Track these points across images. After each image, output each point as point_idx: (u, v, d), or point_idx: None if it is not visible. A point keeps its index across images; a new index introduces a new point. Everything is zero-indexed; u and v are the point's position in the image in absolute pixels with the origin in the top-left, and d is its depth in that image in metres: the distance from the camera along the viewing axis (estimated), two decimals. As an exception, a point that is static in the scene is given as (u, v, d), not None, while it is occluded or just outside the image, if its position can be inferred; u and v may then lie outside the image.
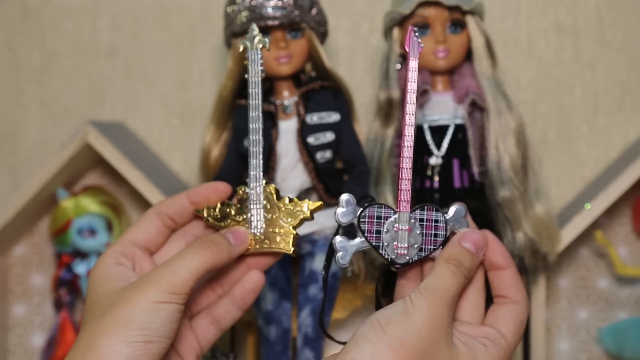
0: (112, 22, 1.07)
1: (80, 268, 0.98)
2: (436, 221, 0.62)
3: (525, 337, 0.93)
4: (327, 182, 0.83)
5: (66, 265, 0.99)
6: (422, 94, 0.83)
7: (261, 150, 0.68)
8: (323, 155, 0.83)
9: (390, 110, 0.84)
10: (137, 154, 0.99)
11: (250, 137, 0.68)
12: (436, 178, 0.83)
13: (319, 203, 0.67)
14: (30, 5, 1.07)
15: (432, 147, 0.83)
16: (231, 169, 0.84)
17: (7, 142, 1.08)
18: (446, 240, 0.62)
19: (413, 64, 0.62)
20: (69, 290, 0.99)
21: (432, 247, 0.62)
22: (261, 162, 0.68)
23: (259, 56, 0.69)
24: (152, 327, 0.56)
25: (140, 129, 1.07)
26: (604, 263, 1.00)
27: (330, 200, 0.84)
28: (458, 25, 0.83)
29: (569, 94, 1.04)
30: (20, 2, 1.07)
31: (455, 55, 0.83)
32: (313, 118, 0.83)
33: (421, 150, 0.83)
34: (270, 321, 0.83)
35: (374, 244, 0.61)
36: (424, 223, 0.62)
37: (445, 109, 0.84)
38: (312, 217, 0.67)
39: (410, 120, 0.61)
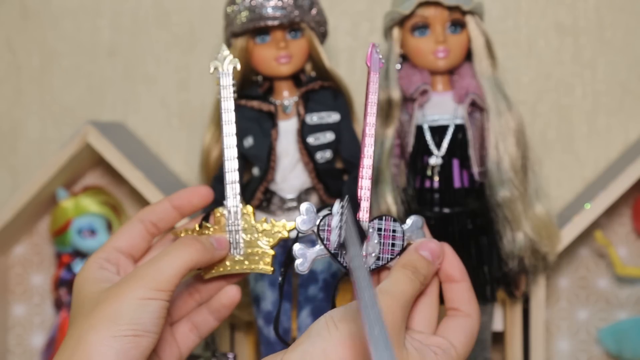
0: (112, 22, 1.07)
1: (80, 268, 0.98)
2: (394, 231, 0.64)
3: (525, 337, 0.93)
4: (327, 182, 0.83)
5: (66, 265, 0.99)
6: (422, 94, 0.83)
7: (237, 173, 0.69)
8: (323, 156, 0.83)
9: (390, 110, 0.84)
10: (137, 154, 0.99)
11: (225, 161, 0.69)
12: (436, 178, 0.83)
13: (294, 224, 0.68)
14: (30, 5, 1.07)
15: (432, 147, 0.83)
16: (231, 169, 0.84)
17: (7, 142, 1.08)
18: (403, 250, 0.64)
19: (374, 77, 0.64)
20: (69, 290, 0.99)
21: (389, 256, 0.64)
22: (238, 185, 0.69)
23: (231, 77, 0.69)
24: (140, 322, 0.57)
25: (140, 129, 1.07)
26: (604, 263, 1.00)
27: (330, 200, 0.84)
28: (458, 25, 0.83)
29: (569, 94, 1.04)
30: (20, 2, 1.07)
31: (455, 55, 0.83)
32: (313, 118, 0.83)
33: (421, 150, 0.83)
34: (270, 321, 0.83)
35: (332, 251, 0.63)
36: (382, 232, 0.64)
37: (445, 109, 0.84)
38: (289, 237, 0.68)
39: (370, 131, 0.63)
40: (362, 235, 0.58)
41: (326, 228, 0.63)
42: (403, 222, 0.64)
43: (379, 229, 0.64)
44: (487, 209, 0.83)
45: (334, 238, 0.61)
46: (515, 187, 0.82)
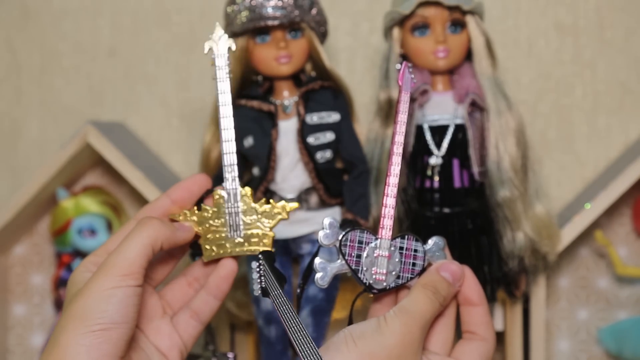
0: (112, 22, 1.07)
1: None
2: (415, 251, 0.64)
3: (525, 337, 0.93)
4: (327, 182, 0.83)
5: (66, 265, 0.99)
6: (422, 93, 0.83)
7: (235, 154, 0.68)
8: (323, 155, 0.83)
9: (390, 110, 0.84)
10: (137, 154, 0.99)
11: (222, 140, 0.68)
12: (436, 178, 0.83)
13: (295, 204, 0.68)
14: (30, 5, 1.07)
15: (432, 147, 0.83)
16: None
17: (7, 142, 1.08)
18: (423, 270, 0.64)
19: (405, 97, 0.64)
20: (69, 290, 0.99)
21: (409, 275, 0.64)
22: (236, 165, 0.68)
23: (226, 57, 0.69)
24: (106, 314, 0.57)
25: (140, 129, 1.07)
26: (604, 263, 1.00)
27: (330, 200, 0.84)
28: (458, 25, 0.83)
29: (569, 94, 1.04)
30: (20, 2, 1.07)
31: (455, 55, 0.83)
32: (313, 118, 0.83)
33: (421, 150, 0.83)
34: (270, 321, 0.83)
35: (353, 267, 0.64)
36: (404, 251, 0.64)
37: (445, 109, 0.84)
38: (288, 217, 0.68)
39: (398, 150, 0.63)
40: (282, 279, 0.60)
41: (348, 243, 0.63)
42: (408, 232, 0.65)
43: (401, 248, 0.64)
44: (487, 209, 0.83)
45: (255, 287, 0.61)
46: (515, 187, 0.82)
